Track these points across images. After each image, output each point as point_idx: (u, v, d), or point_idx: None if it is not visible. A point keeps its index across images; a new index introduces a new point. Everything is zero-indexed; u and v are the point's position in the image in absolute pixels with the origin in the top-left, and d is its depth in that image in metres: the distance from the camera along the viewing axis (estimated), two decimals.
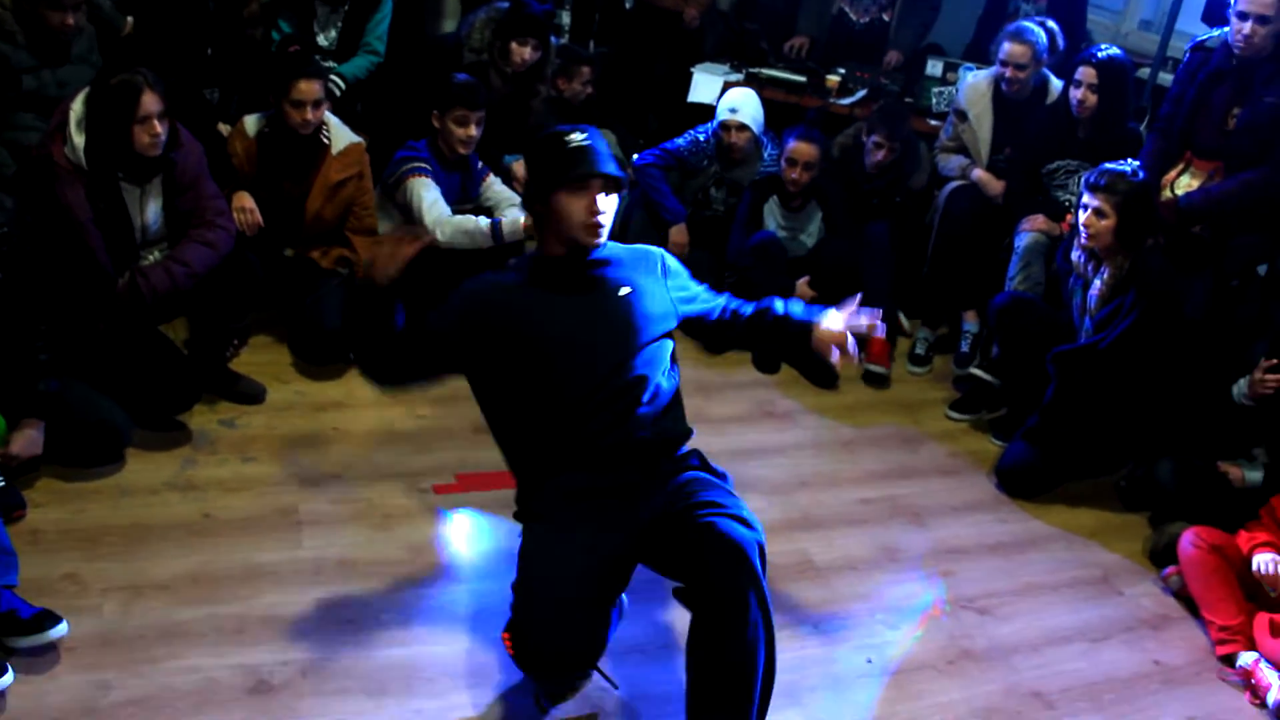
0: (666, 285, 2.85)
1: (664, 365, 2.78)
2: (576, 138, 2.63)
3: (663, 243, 4.83)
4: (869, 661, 3.06)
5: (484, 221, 4.13)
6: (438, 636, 2.96)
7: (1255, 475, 3.79)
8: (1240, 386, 3.82)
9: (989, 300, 4.36)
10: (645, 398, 2.68)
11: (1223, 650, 3.34)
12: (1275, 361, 3.70)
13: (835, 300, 4.64)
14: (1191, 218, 4.25)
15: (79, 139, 3.29)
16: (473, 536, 3.41)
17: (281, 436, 3.71)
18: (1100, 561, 3.75)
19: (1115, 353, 3.81)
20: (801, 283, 4.65)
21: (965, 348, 4.77)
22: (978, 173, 4.90)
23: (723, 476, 2.76)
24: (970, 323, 4.81)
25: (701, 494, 2.59)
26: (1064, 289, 4.16)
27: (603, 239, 2.69)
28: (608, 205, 2.65)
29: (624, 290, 2.73)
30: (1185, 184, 4.32)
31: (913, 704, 2.96)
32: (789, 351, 4.72)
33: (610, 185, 2.66)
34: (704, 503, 2.55)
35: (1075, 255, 4.03)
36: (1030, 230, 4.52)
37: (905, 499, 3.90)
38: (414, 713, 2.69)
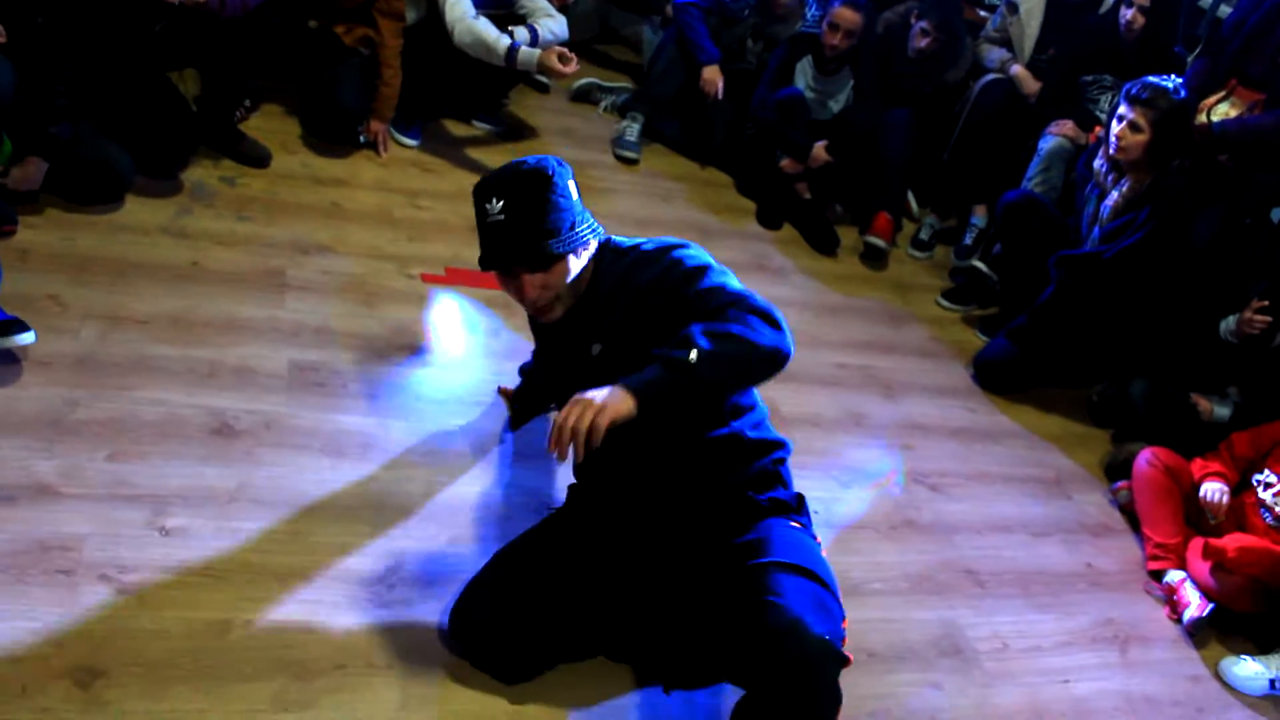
0: (648, 307, 2.21)
1: (703, 419, 2.29)
2: (493, 209, 2.14)
3: (693, 82, 4.78)
4: (815, 512, 3.12)
5: (503, 40, 4.03)
6: (403, 414, 3.01)
7: (1224, 411, 3.84)
8: (1228, 323, 3.84)
9: (1001, 196, 4.34)
10: (659, 460, 2.28)
11: (1153, 565, 3.43)
12: (1266, 304, 3.72)
13: (849, 169, 4.69)
14: (1222, 145, 4.21)
15: None
16: (452, 327, 3.44)
17: (280, 202, 3.71)
18: (1057, 465, 3.83)
19: (1118, 266, 3.82)
20: (819, 146, 4.60)
21: (969, 240, 4.77)
22: (1016, 68, 4.82)
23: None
24: (978, 216, 4.80)
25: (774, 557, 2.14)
26: (1078, 196, 4.14)
27: (555, 315, 2.27)
28: (549, 283, 2.19)
29: (595, 348, 2.30)
30: (1223, 111, 4.27)
31: (850, 558, 3.04)
32: (793, 215, 4.72)
33: (543, 264, 2.17)
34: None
35: (1098, 164, 4.00)
36: (1057, 134, 4.48)
37: (880, 371, 3.95)
38: (369, 479, 2.75)
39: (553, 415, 2.68)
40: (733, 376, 2.10)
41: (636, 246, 2.30)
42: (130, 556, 2.35)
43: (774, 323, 2.10)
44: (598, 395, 1.98)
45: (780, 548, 2.16)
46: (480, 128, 4.60)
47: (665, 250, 2.25)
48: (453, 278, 3.60)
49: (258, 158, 3.84)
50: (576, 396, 2.00)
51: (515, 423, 3.05)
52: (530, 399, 3.04)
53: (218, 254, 3.36)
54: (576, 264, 2.23)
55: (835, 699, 1.97)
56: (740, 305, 2.10)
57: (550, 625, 2.30)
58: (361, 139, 4.16)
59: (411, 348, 3.26)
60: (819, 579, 2.12)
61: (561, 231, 2.15)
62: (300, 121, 4.18)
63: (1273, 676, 3.10)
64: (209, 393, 2.85)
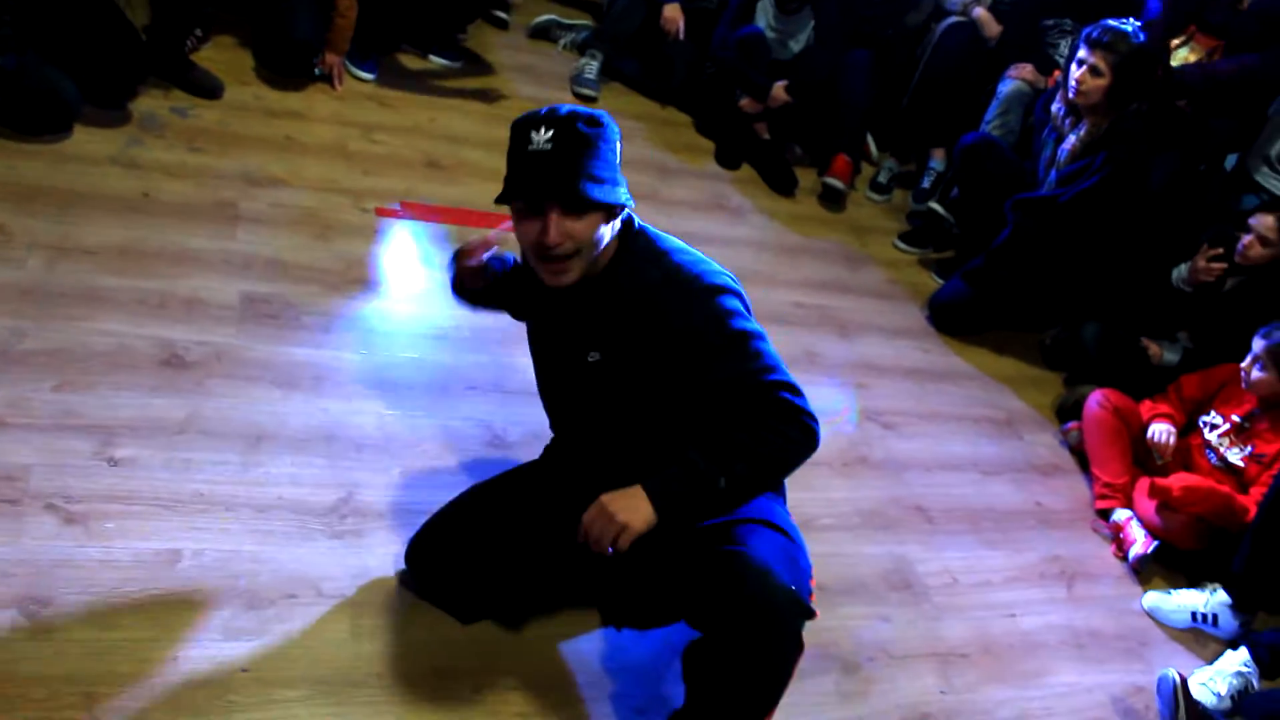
0: (670, 347, 2.04)
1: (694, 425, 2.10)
2: (539, 137, 1.94)
3: (653, 21, 4.73)
4: None
5: None
6: (356, 346, 2.99)
7: (1173, 356, 3.89)
8: (1181, 270, 3.88)
9: (959, 139, 4.35)
10: (637, 461, 2.08)
11: (1101, 505, 3.49)
12: (1220, 251, 3.75)
13: (808, 109, 4.66)
14: (1182, 91, 4.22)
15: None
16: (407, 261, 3.41)
17: (233, 134, 3.65)
18: (1009, 406, 3.87)
19: (1073, 209, 3.84)
20: (779, 86, 4.57)
21: (926, 184, 4.78)
22: (979, 11, 4.80)
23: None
24: (937, 160, 4.81)
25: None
26: (1035, 140, 4.16)
27: (569, 278, 2.02)
28: (576, 232, 1.97)
29: (593, 356, 2.14)
30: (1183, 57, 4.28)
31: (802, 494, 3.02)
32: (751, 155, 4.70)
33: (578, 206, 1.96)
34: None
35: (1055, 107, 4.01)
36: (1016, 78, 4.48)
37: (836, 311, 3.96)
38: (320, 410, 2.74)
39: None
40: (756, 493, 2.08)
41: (669, 257, 2.09)
42: (78, 486, 2.34)
43: (805, 424, 2.00)
44: (621, 510, 1.93)
45: (751, 507, 2.13)
46: (437, 62, 4.54)
47: (710, 293, 2.03)
48: (409, 211, 3.57)
49: (209, 89, 3.77)
50: (601, 503, 1.95)
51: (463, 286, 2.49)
52: (490, 296, 2.51)
53: (168, 185, 3.31)
54: (606, 231, 2.02)
55: (797, 647, 1.98)
56: (775, 409, 1.98)
57: (507, 567, 2.28)
58: (316, 72, 4.09)
59: (365, 281, 3.24)
60: (787, 534, 2.12)
61: (605, 181, 1.97)
62: (253, 53, 4.10)
63: (1194, 609, 3.16)
64: (159, 324, 2.81)
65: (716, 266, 2.11)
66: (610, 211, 2.02)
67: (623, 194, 2.01)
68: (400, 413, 2.83)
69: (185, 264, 3.03)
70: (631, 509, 1.94)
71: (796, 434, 1.99)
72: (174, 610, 2.17)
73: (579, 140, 1.95)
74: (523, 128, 1.97)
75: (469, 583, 2.31)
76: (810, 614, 1.97)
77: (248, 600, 2.24)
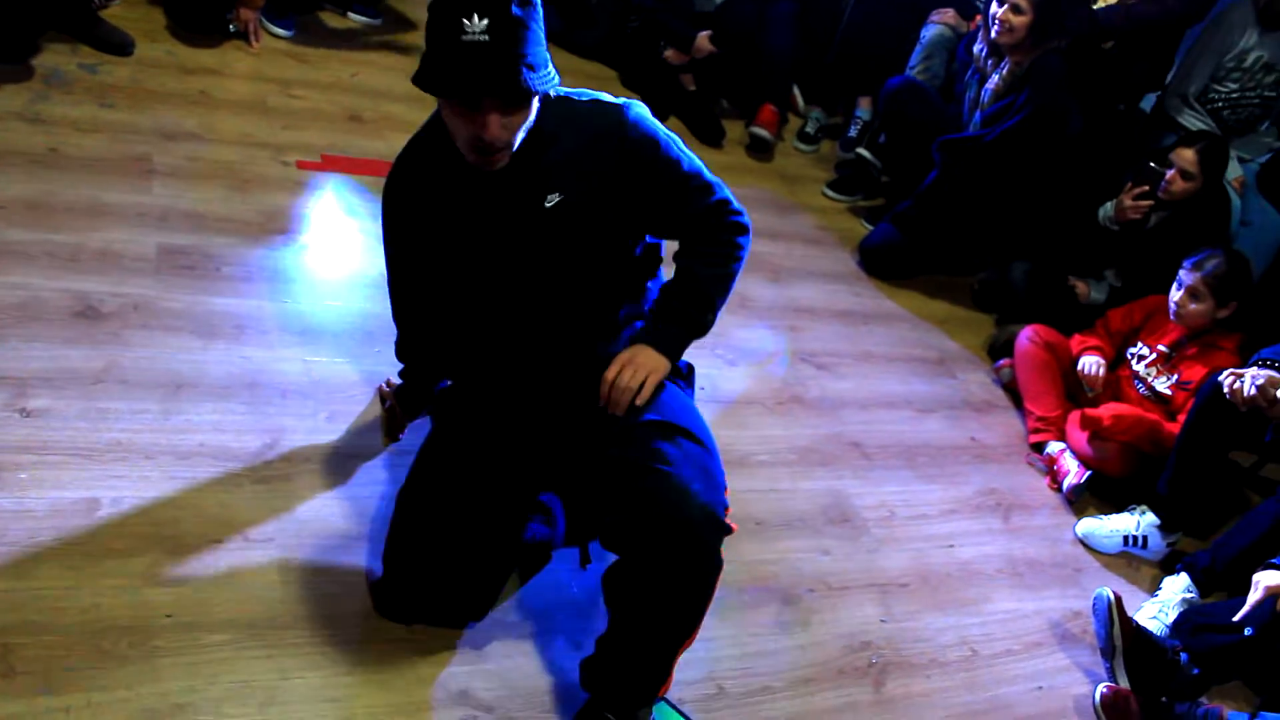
0: (628, 177, 2.07)
1: (629, 288, 2.26)
2: (473, 26, 1.79)
3: None
4: (702, 389, 3.13)
5: None
6: (276, 294, 2.92)
7: (1099, 295, 3.93)
8: (1107, 209, 3.92)
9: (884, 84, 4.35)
10: (590, 334, 2.21)
11: (1035, 438, 3.52)
12: (1145, 189, 3.79)
13: (733, 60, 4.63)
14: (1106, 33, 4.25)
15: None
16: (329, 212, 3.33)
17: (145, 90, 3.53)
18: (941, 346, 3.89)
19: (998, 148, 3.86)
20: (703, 35, 4.53)
21: (853, 132, 4.78)
22: None
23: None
24: (863, 109, 4.81)
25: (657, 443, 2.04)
26: (958, 83, 4.17)
27: (503, 161, 1.96)
28: (514, 124, 1.90)
29: (552, 198, 2.05)
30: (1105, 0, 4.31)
31: (738, 432, 3.05)
32: (678, 107, 4.66)
33: (520, 100, 1.88)
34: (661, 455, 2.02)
35: (977, 48, 4.03)
36: (939, 22, 4.48)
37: (766, 257, 3.94)
38: (242, 359, 2.67)
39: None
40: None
41: (575, 94, 2.08)
42: None
43: (746, 226, 2.23)
44: (642, 363, 2.10)
45: (667, 408, 2.12)
46: (357, 20, 4.45)
47: (641, 116, 2.07)
48: (330, 164, 3.49)
49: (119, 44, 3.65)
50: (621, 358, 2.11)
51: (393, 431, 2.60)
52: (414, 398, 2.57)
53: (78, 140, 3.19)
54: (535, 105, 1.95)
55: (716, 567, 1.98)
56: (728, 230, 2.19)
57: (488, 551, 2.18)
58: (231, 29, 3.98)
59: (286, 232, 3.15)
60: (701, 443, 2.09)
61: (538, 66, 1.86)
62: (165, 10, 3.98)
63: (1126, 533, 3.20)
64: (72, 277, 2.72)
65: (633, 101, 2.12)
66: (545, 92, 1.97)
67: (554, 73, 1.93)
68: (325, 359, 2.76)
69: (98, 217, 2.93)
70: (649, 360, 2.11)
71: (746, 240, 2.22)
72: (93, 559, 2.10)
73: (515, 25, 1.81)
74: (453, 8, 1.80)
75: (468, 583, 2.20)
76: (727, 530, 1.97)
77: (170, 547, 2.18)
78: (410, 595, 2.18)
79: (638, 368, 2.09)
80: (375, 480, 2.50)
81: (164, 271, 2.84)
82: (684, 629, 2.04)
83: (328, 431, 2.56)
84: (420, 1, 4.79)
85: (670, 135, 2.12)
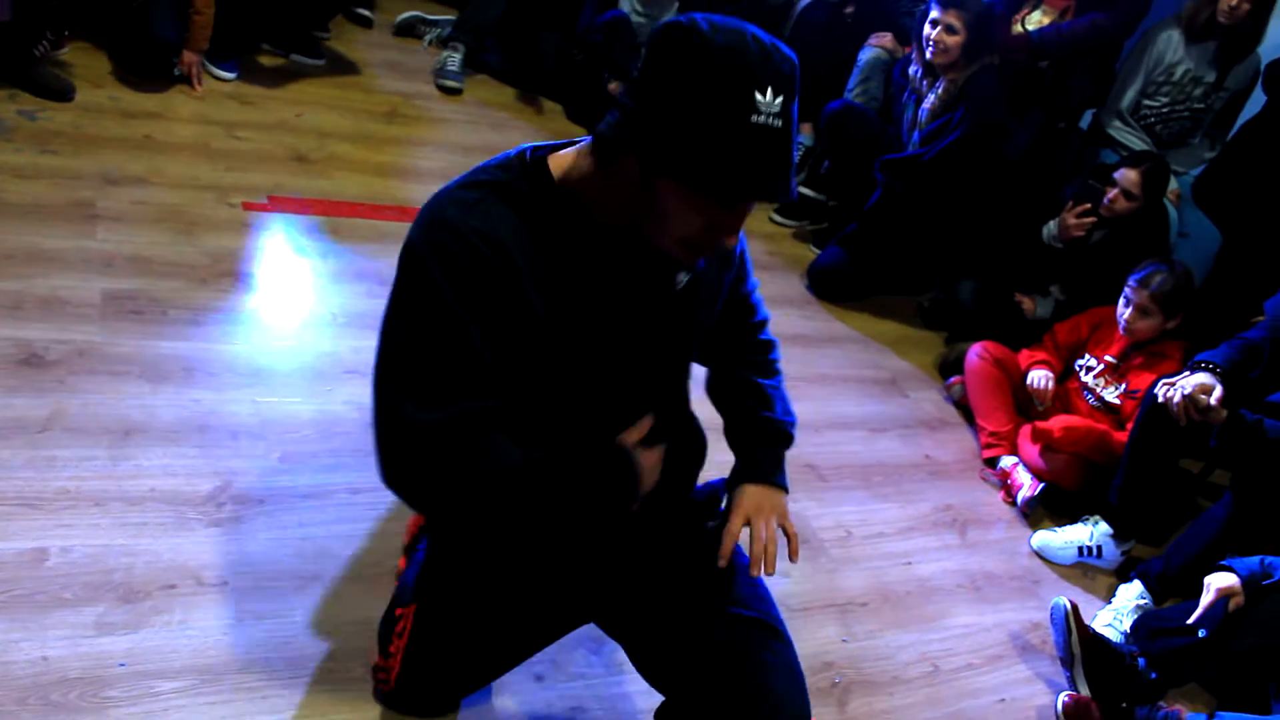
0: (726, 265, 1.95)
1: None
2: (768, 104, 1.43)
3: (515, 10, 4.70)
4: None
5: None
6: (225, 338, 2.89)
7: (1045, 310, 3.99)
8: (1050, 228, 3.98)
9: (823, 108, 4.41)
10: (670, 419, 1.94)
11: (988, 454, 3.55)
12: (1087, 207, 3.86)
13: None
14: (1042, 53, 4.33)
15: None
16: (277, 252, 3.32)
17: (88, 136, 3.51)
18: (892, 366, 3.92)
19: (938, 165, 3.92)
20: None
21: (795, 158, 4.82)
22: None
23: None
24: (804, 135, 4.85)
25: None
26: (895, 105, 4.24)
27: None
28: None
29: (682, 278, 1.78)
30: (1037, 20, 4.39)
31: None
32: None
33: (785, 200, 1.57)
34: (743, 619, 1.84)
35: (913, 70, 4.09)
36: (876, 45, 4.56)
37: None
38: (192, 401, 2.64)
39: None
40: None
41: None
42: None
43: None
44: (765, 505, 1.91)
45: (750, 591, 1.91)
46: (299, 61, 4.44)
47: None
48: (276, 205, 3.48)
49: (59, 90, 3.63)
50: (743, 507, 1.90)
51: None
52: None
53: (18, 186, 3.17)
54: None
55: None
56: (770, 349, 2.14)
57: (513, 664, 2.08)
58: (176, 72, 3.97)
59: (234, 274, 3.14)
60: (787, 641, 1.89)
61: None
62: (110, 55, 3.96)
63: (1080, 543, 3.24)
64: (14, 324, 2.69)
65: None
66: None
67: None
68: (276, 399, 2.74)
69: (41, 264, 2.90)
70: (771, 502, 1.93)
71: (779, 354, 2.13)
72: (42, 609, 2.07)
73: (795, 106, 1.49)
74: (739, 77, 1.42)
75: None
76: None
77: (123, 594, 2.15)
78: (428, 706, 2.13)
79: (769, 519, 1.89)
80: (330, 520, 2.47)
81: (110, 317, 2.81)
82: None
83: (280, 472, 2.54)
84: (363, 42, 4.82)
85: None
